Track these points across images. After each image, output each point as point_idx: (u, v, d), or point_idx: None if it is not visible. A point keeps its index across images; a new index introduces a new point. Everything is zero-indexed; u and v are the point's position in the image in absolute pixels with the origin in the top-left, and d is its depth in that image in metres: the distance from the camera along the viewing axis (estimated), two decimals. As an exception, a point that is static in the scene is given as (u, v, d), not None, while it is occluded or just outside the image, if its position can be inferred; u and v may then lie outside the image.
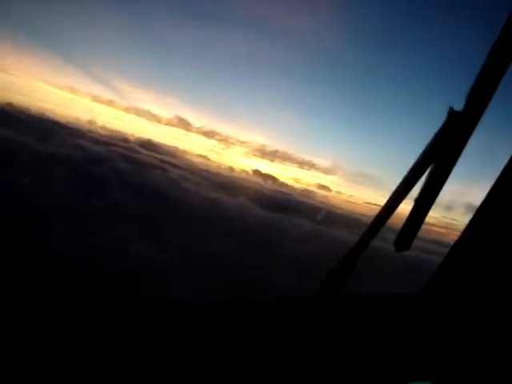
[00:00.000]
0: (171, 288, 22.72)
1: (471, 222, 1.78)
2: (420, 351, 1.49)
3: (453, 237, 1.89)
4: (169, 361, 1.27)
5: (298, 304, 1.80)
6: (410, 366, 1.41)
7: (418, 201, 1.60)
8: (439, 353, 1.47)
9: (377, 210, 1.75)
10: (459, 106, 1.49)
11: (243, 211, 53.90)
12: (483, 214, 1.74)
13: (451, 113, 1.50)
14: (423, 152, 1.60)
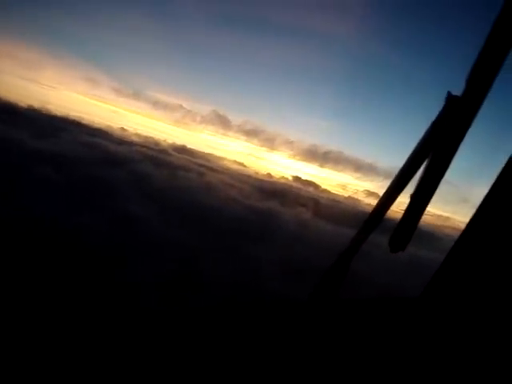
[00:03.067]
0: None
1: (470, 223, 1.69)
2: (418, 355, 1.47)
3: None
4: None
5: (292, 308, 1.78)
6: (408, 369, 1.40)
7: (414, 197, 1.50)
8: (438, 356, 1.45)
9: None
10: (458, 91, 1.36)
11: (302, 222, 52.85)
12: (483, 215, 1.65)
13: (449, 98, 1.38)
14: (419, 143, 1.49)
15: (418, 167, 1.50)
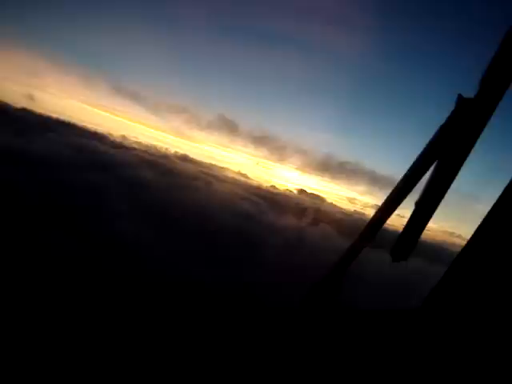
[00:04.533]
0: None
1: (475, 234, 1.63)
2: (418, 367, 1.46)
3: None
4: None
5: (283, 316, 1.80)
6: (406, 381, 1.40)
7: (418, 204, 1.47)
8: (438, 369, 1.44)
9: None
10: (469, 94, 1.29)
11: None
12: (488, 227, 1.59)
13: (460, 100, 1.30)
14: (425, 148, 1.43)
15: (423, 174, 1.45)
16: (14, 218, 24.32)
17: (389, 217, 1.54)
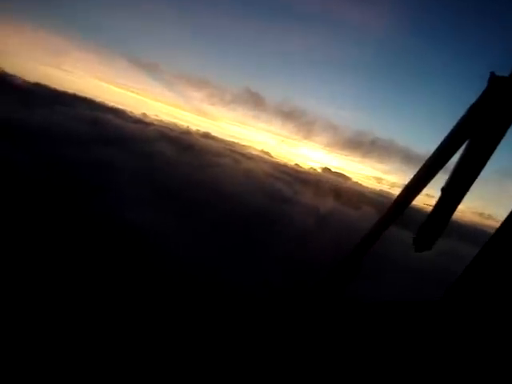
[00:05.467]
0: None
1: (501, 227, 1.55)
2: (439, 362, 1.39)
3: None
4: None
5: (297, 299, 1.77)
6: (427, 376, 1.35)
7: (445, 191, 1.37)
8: (460, 364, 1.38)
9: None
10: (504, 72, 1.21)
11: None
12: None
13: (493, 79, 1.22)
14: (454, 127, 1.31)
15: (452, 154, 1.33)
16: (12, 198, 20.10)
17: (412, 200, 1.45)
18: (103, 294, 14.10)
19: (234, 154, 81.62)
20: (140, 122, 75.39)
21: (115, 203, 24.38)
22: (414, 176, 1.42)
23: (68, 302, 12.67)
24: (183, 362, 1.26)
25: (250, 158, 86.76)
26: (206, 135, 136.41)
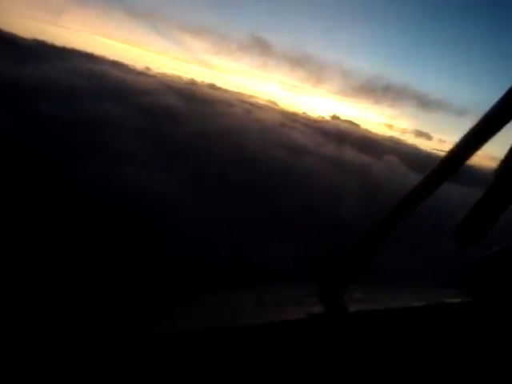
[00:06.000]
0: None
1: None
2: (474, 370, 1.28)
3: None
4: None
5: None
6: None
7: (500, 172, 1.13)
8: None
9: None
10: None
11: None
12: None
13: None
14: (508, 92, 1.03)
15: (503, 125, 1.03)
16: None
17: (473, 153, 1.16)
18: (97, 280, 11.15)
19: (243, 104, 76.91)
20: (142, 75, 70.60)
21: (113, 165, 20.80)
22: (476, 125, 1.09)
23: (59, 290, 10.16)
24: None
25: (259, 107, 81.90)
26: (212, 86, 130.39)
